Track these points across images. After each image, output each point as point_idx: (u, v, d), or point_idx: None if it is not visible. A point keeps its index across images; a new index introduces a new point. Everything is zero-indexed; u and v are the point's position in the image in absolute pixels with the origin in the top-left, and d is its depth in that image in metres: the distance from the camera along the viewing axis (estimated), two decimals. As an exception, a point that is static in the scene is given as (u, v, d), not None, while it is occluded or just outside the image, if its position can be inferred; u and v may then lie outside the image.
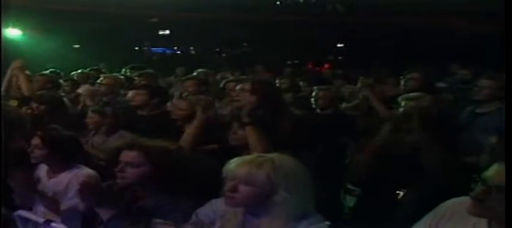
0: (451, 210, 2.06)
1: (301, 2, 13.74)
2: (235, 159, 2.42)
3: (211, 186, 2.56)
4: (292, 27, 15.51)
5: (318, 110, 5.13)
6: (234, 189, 2.31)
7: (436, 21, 13.94)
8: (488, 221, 1.92)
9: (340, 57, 18.02)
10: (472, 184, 1.85)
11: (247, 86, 3.93)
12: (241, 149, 3.41)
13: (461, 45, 13.74)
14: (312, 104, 5.14)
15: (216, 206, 2.50)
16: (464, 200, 1.91)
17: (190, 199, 2.70)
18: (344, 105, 6.20)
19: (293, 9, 14.23)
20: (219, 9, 14.08)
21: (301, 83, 7.08)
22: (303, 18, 14.76)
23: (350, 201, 4.50)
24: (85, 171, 3.50)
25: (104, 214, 2.82)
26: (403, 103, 4.61)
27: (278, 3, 14.11)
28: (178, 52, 19.79)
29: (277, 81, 7.02)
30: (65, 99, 5.99)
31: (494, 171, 1.83)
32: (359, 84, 6.99)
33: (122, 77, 7.27)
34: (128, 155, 2.80)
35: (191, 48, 19.83)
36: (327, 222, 2.37)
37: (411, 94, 4.93)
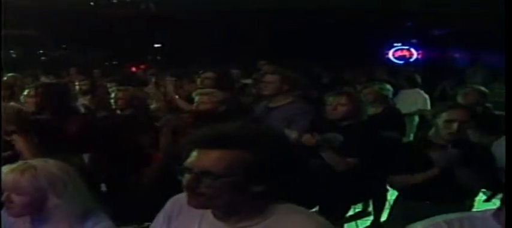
0: (179, 204, 1.95)
1: (116, 2, 13.47)
2: (4, 167, 2.31)
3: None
4: (110, 27, 15.30)
5: (118, 111, 5.09)
6: (9, 199, 2.22)
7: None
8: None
9: (158, 57, 18.21)
10: (179, 175, 1.74)
11: (31, 91, 3.91)
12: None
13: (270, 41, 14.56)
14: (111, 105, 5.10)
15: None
16: None
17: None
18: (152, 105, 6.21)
19: (107, 10, 13.92)
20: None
21: (108, 85, 6.97)
22: (119, 18, 14.54)
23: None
24: None
25: None
26: (196, 98, 4.67)
27: (92, 4, 13.71)
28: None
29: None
30: None
31: (194, 158, 1.71)
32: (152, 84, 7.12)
33: None
34: None
35: (12, 51, 18.93)
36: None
37: (205, 90, 5.01)
